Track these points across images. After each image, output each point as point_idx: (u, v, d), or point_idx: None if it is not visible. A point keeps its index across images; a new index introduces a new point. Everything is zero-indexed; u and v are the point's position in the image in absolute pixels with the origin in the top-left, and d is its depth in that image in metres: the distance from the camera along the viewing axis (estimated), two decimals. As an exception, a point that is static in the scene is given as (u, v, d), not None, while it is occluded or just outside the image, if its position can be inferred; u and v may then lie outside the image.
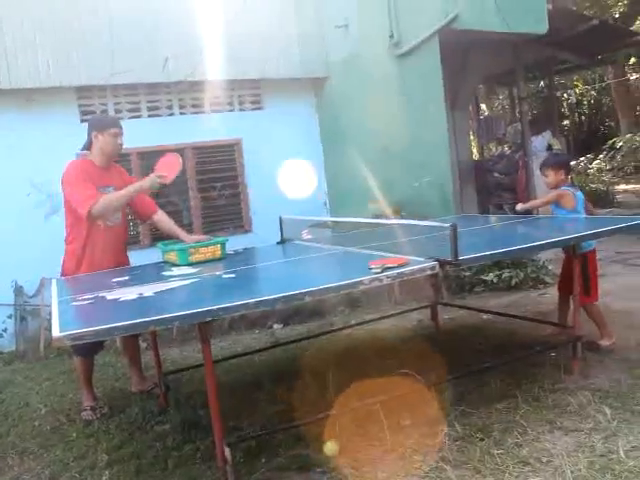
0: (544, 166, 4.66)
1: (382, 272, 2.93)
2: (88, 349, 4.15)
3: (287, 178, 7.42)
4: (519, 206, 4.86)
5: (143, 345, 5.25)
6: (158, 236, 6.75)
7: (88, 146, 4.26)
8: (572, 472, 2.68)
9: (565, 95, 19.93)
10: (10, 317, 6.43)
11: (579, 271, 3.93)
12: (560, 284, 4.64)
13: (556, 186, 4.55)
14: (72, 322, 2.54)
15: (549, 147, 10.07)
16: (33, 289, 6.45)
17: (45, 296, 6.08)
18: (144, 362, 4.82)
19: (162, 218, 4.57)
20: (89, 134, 4.23)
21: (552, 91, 12.42)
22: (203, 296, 3.09)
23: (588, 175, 16.50)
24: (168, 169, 4.22)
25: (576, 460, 2.79)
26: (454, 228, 3.06)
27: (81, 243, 4.15)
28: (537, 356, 4.18)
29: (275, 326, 6.34)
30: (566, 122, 20.81)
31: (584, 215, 4.50)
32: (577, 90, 21.06)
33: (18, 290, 6.45)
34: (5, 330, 6.40)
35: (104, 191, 4.17)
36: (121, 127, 4.28)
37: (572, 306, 4.11)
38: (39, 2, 6.25)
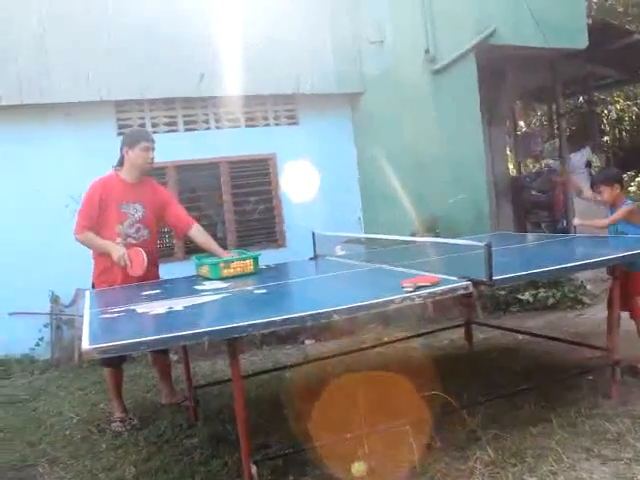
0: (597, 182, 4.51)
1: (414, 291, 2.89)
2: (115, 360, 4.14)
3: (321, 193, 7.41)
4: (576, 220, 4.74)
5: (174, 358, 5.27)
6: (192, 249, 6.81)
7: (121, 162, 4.32)
8: (610, 504, 2.58)
9: (605, 111, 19.56)
10: (46, 326, 6.53)
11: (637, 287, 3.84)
12: (610, 301, 4.50)
13: (614, 202, 4.39)
14: (102, 335, 2.55)
15: (588, 164, 9.88)
16: (69, 299, 6.55)
17: (79, 306, 6.16)
18: (175, 375, 4.84)
19: (197, 233, 4.58)
20: (121, 150, 4.29)
21: (591, 107, 12.22)
22: (232, 312, 3.09)
23: (629, 192, 16.14)
24: (136, 265, 4.14)
25: (615, 492, 2.69)
26: (489, 247, 3.00)
27: (105, 259, 4.20)
28: (574, 379, 4.06)
29: (306, 342, 6.32)
30: (606, 138, 20.42)
31: None
32: (618, 106, 20.67)
33: (54, 300, 6.55)
34: (42, 339, 6.49)
35: (127, 208, 4.23)
36: (152, 141, 4.32)
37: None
38: (79, 19, 6.37)
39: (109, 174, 4.37)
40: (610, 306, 3.98)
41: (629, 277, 4.08)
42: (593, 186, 4.54)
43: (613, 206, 4.40)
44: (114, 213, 4.21)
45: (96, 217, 4.20)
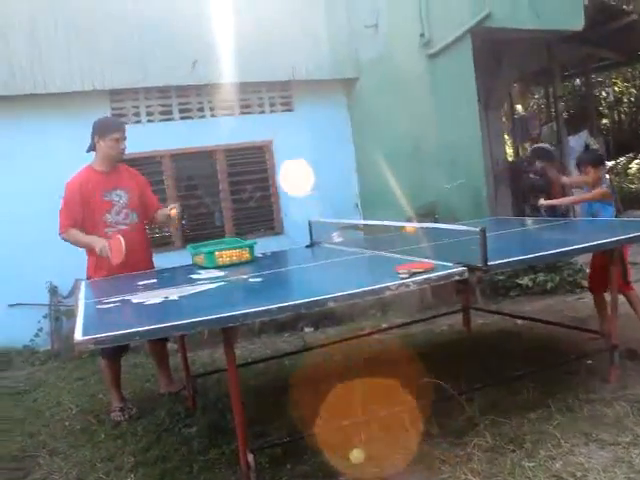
0: (583, 162, 4.53)
1: (409, 277, 2.87)
2: (114, 352, 4.17)
3: (318, 180, 7.38)
4: (541, 201, 4.79)
5: (173, 347, 5.26)
6: (190, 238, 6.80)
7: (92, 148, 4.28)
8: (607, 488, 2.58)
9: (603, 93, 19.44)
10: (45, 317, 6.53)
11: (618, 270, 3.83)
12: (591, 283, 4.53)
13: (594, 184, 4.43)
14: (95, 326, 2.54)
15: (586, 147, 9.83)
16: (67, 290, 6.53)
17: (78, 297, 6.15)
18: (173, 364, 4.83)
19: (157, 213, 4.56)
20: (92, 138, 4.24)
21: (589, 89, 12.15)
22: (228, 300, 3.07)
23: (628, 175, 16.08)
24: (115, 252, 4.09)
25: (613, 476, 2.68)
26: (483, 232, 2.98)
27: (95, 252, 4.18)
28: (572, 364, 4.05)
29: (306, 329, 6.31)
30: (605, 121, 20.31)
31: None
32: (616, 88, 20.54)
33: (52, 291, 6.54)
34: (41, 329, 6.50)
35: (110, 196, 4.22)
36: (124, 131, 4.26)
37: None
38: (72, 8, 6.32)
39: (82, 169, 4.32)
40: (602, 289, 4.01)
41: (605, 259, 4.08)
42: (579, 165, 4.58)
43: (593, 187, 4.45)
44: (99, 204, 4.20)
45: (79, 215, 4.19)
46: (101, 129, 4.24)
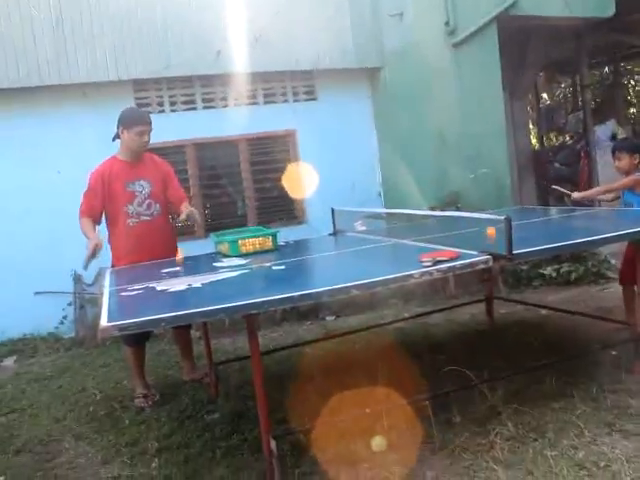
0: (619, 148, 4.43)
1: (433, 266, 2.86)
2: (136, 339, 4.20)
3: (341, 169, 7.36)
4: (575, 194, 4.67)
5: (196, 334, 5.31)
6: (212, 227, 6.84)
7: (118, 137, 4.32)
8: (631, 479, 2.54)
9: (632, 82, 19.10)
10: (70, 305, 6.63)
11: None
12: (622, 275, 4.43)
13: (628, 172, 4.32)
14: (120, 313, 2.57)
15: (613, 136, 9.66)
16: (92, 278, 6.61)
17: (102, 285, 6.23)
18: (196, 351, 4.88)
19: (184, 207, 4.46)
20: (117, 127, 4.27)
21: (617, 78, 11.93)
22: (250, 288, 3.08)
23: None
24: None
25: (636, 466, 2.65)
26: (509, 221, 2.95)
27: (120, 239, 4.24)
28: (597, 354, 4.01)
29: (327, 318, 6.32)
30: (633, 110, 19.98)
31: None
32: (645, 76, 20.15)
33: (77, 279, 6.63)
34: (65, 317, 6.59)
35: (133, 186, 4.26)
36: (149, 123, 4.27)
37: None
38: (96, -1, 6.37)
39: (107, 159, 4.36)
40: (632, 280, 3.91)
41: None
42: (614, 152, 4.47)
43: (627, 175, 4.33)
44: (121, 194, 4.23)
45: (97, 206, 4.25)
46: (126, 120, 4.26)
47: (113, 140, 4.36)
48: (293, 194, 7.37)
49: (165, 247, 4.38)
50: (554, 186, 4.70)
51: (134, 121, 4.26)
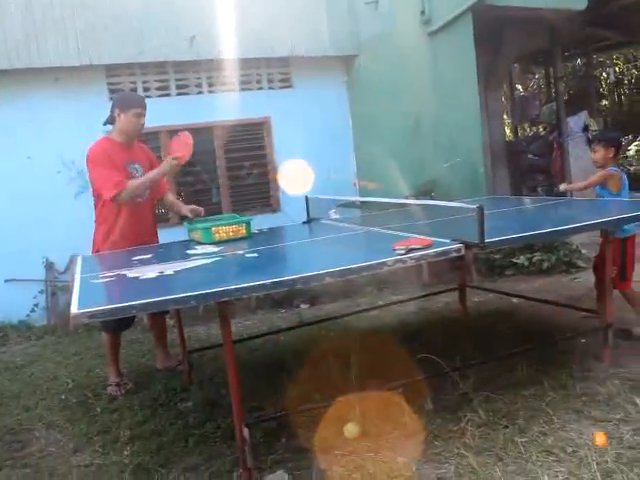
0: (596, 140, 4.46)
1: (406, 254, 2.87)
2: (115, 326, 4.19)
3: (316, 157, 7.34)
4: (562, 186, 4.70)
5: (170, 322, 5.28)
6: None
7: (110, 121, 4.26)
8: (598, 464, 2.59)
9: (604, 74, 19.32)
10: (41, 292, 6.55)
11: (614, 255, 3.80)
12: (595, 266, 4.50)
13: (603, 165, 4.34)
14: (91, 299, 2.53)
15: (586, 128, 9.78)
16: (64, 266, 6.54)
17: (74, 272, 6.16)
18: (170, 340, 4.85)
19: (169, 196, 4.65)
20: (112, 111, 4.22)
21: (590, 70, 12.05)
22: (223, 275, 3.07)
23: (627, 157, 16.03)
24: (182, 149, 4.19)
25: (603, 451, 2.70)
26: (481, 210, 2.97)
27: (111, 223, 4.17)
28: (567, 342, 4.08)
29: (302, 306, 6.33)
30: (605, 102, 20.19)
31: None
32: (617, 69, 20.39)
33: (49, 266, 6.55)
34: (37, 305, 6.52)
35: (130, 168, 4.19)
36: (145, 107, 4.24)
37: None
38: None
39: (101, 139, 4.30)
40: (602, 270, 3.97)
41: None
42: (591, 143, 4.53)
43: (601, 168, 4.37)
44: (122, 173, 4.14)
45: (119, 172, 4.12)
46: (123, 103, 4.22)
47: (104, 124, 4.30)
48: (267, 182, 7.34)
49: (152, 231, 4.44)
50: (562, 188, 4.68)
51: (131, 103, 4.22)
